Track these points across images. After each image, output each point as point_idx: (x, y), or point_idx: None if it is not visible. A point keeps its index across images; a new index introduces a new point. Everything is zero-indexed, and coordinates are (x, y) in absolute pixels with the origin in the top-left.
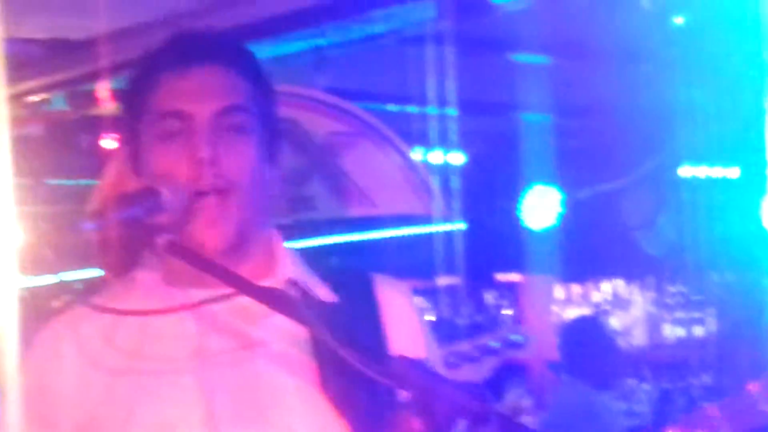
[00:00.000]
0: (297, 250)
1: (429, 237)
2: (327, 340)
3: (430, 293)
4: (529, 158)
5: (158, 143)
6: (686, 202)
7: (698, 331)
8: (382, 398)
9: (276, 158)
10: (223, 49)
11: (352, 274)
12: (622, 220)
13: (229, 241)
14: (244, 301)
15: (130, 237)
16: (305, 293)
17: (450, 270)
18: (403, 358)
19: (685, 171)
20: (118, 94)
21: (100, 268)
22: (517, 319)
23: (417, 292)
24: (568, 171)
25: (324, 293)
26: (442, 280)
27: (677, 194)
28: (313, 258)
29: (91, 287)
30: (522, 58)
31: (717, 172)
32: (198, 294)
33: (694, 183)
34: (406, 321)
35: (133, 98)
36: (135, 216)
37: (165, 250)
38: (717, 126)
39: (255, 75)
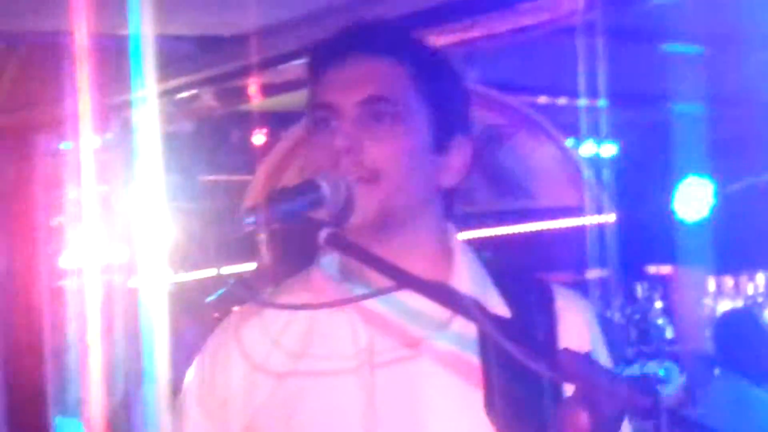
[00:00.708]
0: (474, 250)
1: (582, 229)
2: (495, 337)
3: (582, 285)
4: (681, 150)
5: (313, 135)
6: None
7: None
8: (549, 404)
9: (449, 149)
10: (377, 38)
11: (532, 283)
12: None
13: (373, 231)
14: (416, 303)
15: (293, 232)
16: (481, 308)
17: (602, 262)
18: (569, 351)
19: None
20: (267, 89)
21: (272, 265)
22: (669, 312)
23: (569, 284)
24: (722, 162)
25: (500, 308)
26: (595, 272)
27: None
28: (491, 260)
29: (263, 283)
30: (674, 48)
31: None
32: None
33: None
34: (582, 336)
35: (307, 91)
36: (296, 209)
37: (326, 243)
38: None
39: (418, 63)
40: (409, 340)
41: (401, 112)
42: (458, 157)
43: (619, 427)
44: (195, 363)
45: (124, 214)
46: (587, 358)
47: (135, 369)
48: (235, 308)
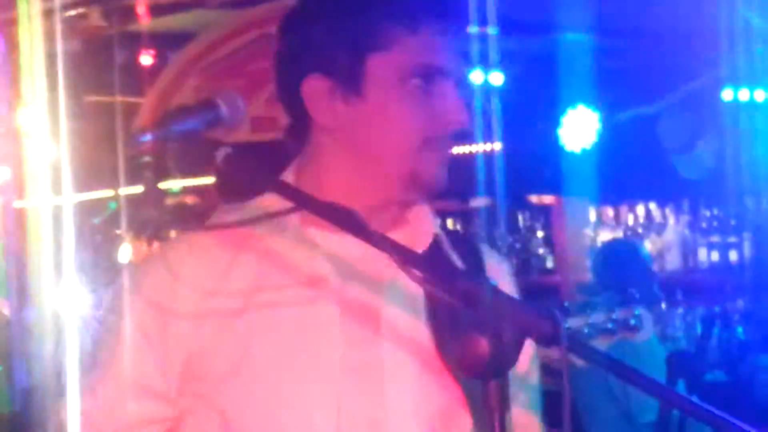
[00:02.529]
0: None
1: (468, 157)
2: (406, 268)
3: (466, 213)
4: (568, 80)
5: None
6: (726, 125)
7: (733, 256)
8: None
9: None
10: None
11: (463, 238)
12: (660, 142)
13: None
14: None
15: (189, 150)
16: (443, 252)
17: (486, 190)
18: (473, 280)
19: (726, 94)
20: (156, 10)
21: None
22: (550, 241)
23: (454, 212)
24: (608, 93)
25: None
26: (478, 201)
27: (717, 118)
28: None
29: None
30: None
31: (759, 95)
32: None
33: (735, 106)
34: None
35: None
36: (193, 128)
37: (222, 163)
38: (761, 49)
39: None
40: (373, 277)
41: None
42: None
43: (518, 354)
44: (128, 303)
45: (10, 134)
46: (491, 287)
47: (21, 291)
48: (118, 231)
